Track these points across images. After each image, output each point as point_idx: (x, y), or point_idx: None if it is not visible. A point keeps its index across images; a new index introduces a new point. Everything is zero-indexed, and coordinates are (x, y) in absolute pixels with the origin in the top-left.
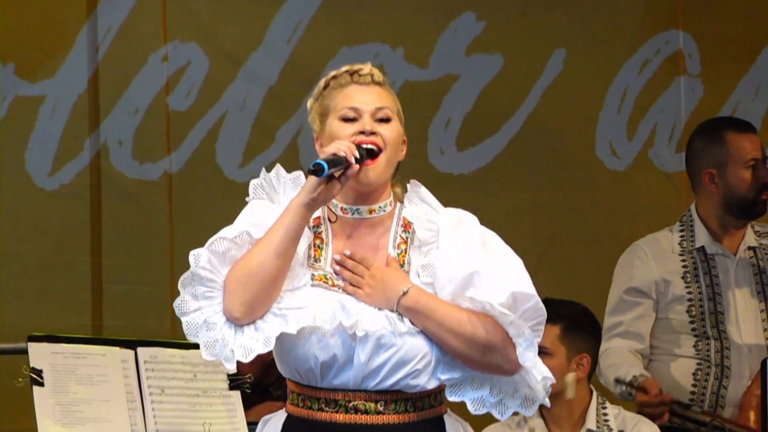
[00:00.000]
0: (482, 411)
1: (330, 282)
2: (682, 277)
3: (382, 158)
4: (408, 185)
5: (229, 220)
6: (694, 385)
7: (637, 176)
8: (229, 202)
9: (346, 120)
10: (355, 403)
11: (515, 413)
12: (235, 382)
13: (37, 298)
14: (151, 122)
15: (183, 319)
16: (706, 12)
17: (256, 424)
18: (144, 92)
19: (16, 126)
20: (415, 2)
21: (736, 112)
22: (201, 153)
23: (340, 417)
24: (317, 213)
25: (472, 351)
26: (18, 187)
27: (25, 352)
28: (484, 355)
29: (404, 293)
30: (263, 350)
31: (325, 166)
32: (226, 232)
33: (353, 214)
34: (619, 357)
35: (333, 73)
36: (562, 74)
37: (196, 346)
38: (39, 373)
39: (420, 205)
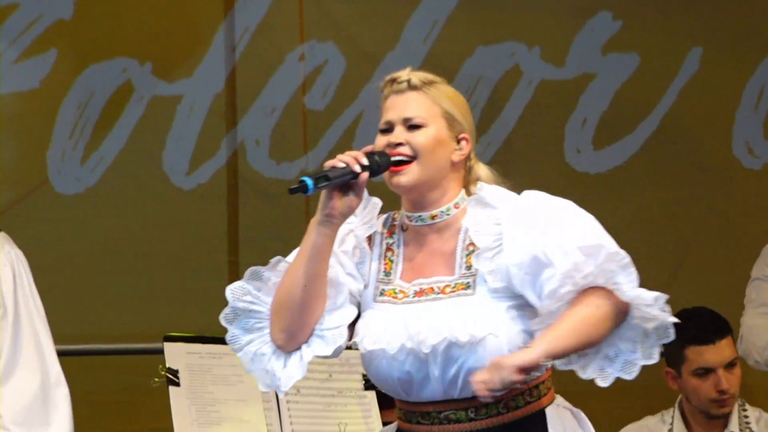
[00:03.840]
0: (610, 379)
1: (401, 295)
2: None
3: (414, 164)
4: (474, 188)
5: None
6: None
7: None
8: None
9: (383, 131)
10: (446, 413)
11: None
12: (370, 382)
13: (174, 298)
14: (287, 122)
15: (238, 354)
16: None
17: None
18: (281, 92)
19: (154, 126)
20: (552, 1)
21: None
22: (338, 152)
23: (436, 429)
24: (379, 224)
25: (611, 328)
26: (155, 187)
27: (161, 352)
28: (618, 320)
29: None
30: (301, 376)
31: (309, 183)
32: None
33: (416, 221)
34: None
35: (382, 82)
36: (699, 73)
37: None
38: (175, 373)
39: (483, 209)
